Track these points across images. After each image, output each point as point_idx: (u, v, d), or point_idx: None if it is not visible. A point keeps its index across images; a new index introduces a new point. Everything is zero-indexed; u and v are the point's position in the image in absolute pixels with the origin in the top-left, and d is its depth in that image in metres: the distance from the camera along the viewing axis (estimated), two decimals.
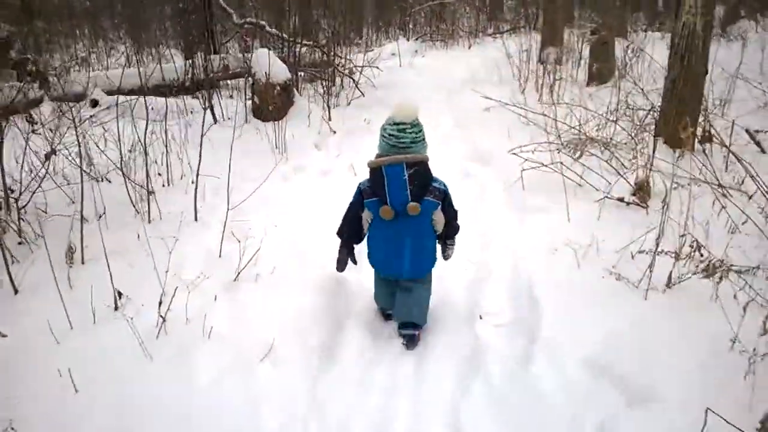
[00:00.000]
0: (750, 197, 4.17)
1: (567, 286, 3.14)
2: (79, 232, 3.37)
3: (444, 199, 2.74)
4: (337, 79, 8.01)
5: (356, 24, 13.78)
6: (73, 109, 4.08)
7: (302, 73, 8.01)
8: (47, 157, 3.64)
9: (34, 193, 3.77)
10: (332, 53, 8.09)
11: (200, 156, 3.97)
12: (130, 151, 4.47)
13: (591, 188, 4.44)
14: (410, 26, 15.01)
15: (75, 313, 2.80)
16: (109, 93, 7.43)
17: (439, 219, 2.75)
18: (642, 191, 4.29)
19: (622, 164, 4.61)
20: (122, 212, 3.96)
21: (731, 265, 2.81)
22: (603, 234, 3.67)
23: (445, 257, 3.00)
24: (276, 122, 5.65)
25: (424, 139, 2.70)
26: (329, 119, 6.42)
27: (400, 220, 2.65)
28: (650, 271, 3.00)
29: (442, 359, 2.69)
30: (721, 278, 2.63)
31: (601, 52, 7.76)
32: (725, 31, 11.45)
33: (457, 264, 3.50)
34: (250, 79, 6.49)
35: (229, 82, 8.42)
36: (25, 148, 3.82)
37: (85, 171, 4.41)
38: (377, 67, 8.92)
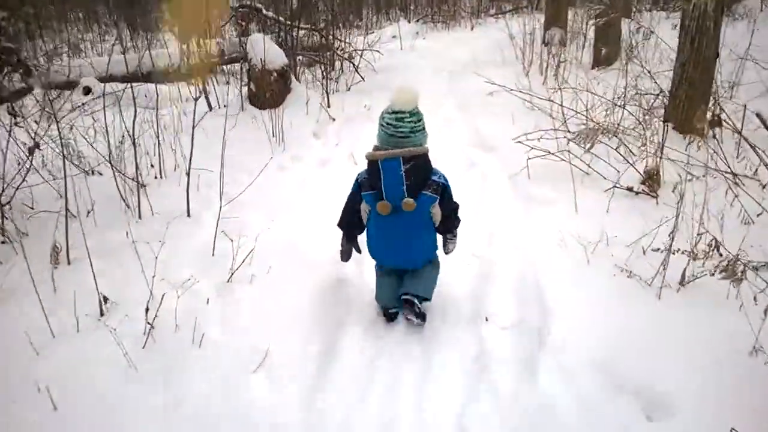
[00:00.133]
0: (764, 186, 4.02)
1: (576, 285, 3.00)
2: (66, 230, 3.21)
3: (443, 193, 2.65)
4: (337, 64, 7.81)
5: (356, 6, 13.51)
6: (60, 98, 3.93)
7: (301, 58, 7.81)
8: (31, 151, 3.47)
9: (17, 188, 3.60)
10: (331, 36, 7.88)
11: (192, 148, 3.80)
12: (121, 142, 4.31)
13: (598, 177, 4.28)
14: (411, 8, 14.72)
15: (57, 319, 2.65)
16: (103, 80, 7.26)
17: (436, 213, 2.68)
18: (651, 180, 4.14)
19: (630, 151, 4.44)
20: (112, 207, 3.80)
21: (749, 262, 2.66)
22: (612, 226, 3.53)
23: (446, 251, 2.92)
24: (273, 110, 5.48)
25: (423, 129, 2.60)
26: (328, 106, 6.24)
27: (396, 215, 2.58)
28: (664, 269, 2.84)
29: (446, 366, 2.54)
30: (740, 280, 2.48)
31: (607, 33, 7.53)
32: (730, 9, 11.15)
33: (460, 258, 3.37)
34: (245, 65, 6.29)
35: (225, 67, 8.22)
36: (8, 142, 3.66)
37: (74, 164, 4.27)
38: (378, 51, 8.71)
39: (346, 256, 2.93)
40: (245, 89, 6.21)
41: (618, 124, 4.97)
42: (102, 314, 2.75)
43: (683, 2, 4.99)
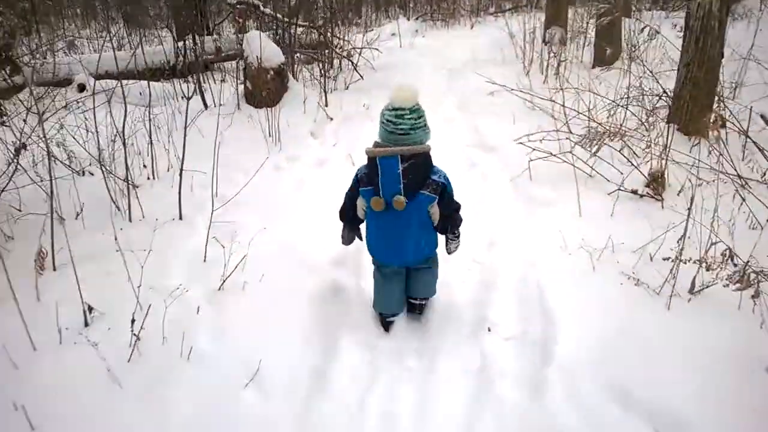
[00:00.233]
0: None
1: (581, 293, 2.89)
2: (51, 235, 3.09)
3: (442, 192, 2.57)
4: (335, 62, 7.70)
5: (355, 3, 13.38)
6: (50, 95, 3.81)
7: (299, 55, 7.69)
8: (17, 151, 3.35)
9: (3, 190, 3.48)
10: (330, 34, 7.77)
11: (184, 149, 3.69)
12: (113, 141, 4.19)
13: (602, 179, 4.18)
14: (410, 5, 14.60)
15: (40, 331, 2.51)
16: (98, 77, 7.14)
17: (435, 212, 2.61)
18: (656, 182, 4.04)
19: (634, 153, 4.34)
20: (102, 209, 3.69)
21: (761, 271, 2.55)
22: (617, 231, 3.43)
23: (448, 251, 2.84)
24: (269, 108, 5.36)
25: (425, 125, 2.52)
26: (326, 105, 6.13)
27: (393, 212, 2.52)
28: (674, 278, 2.74)
29: (447, 381, 2.44)
30: (757, 293, 2.38)
31: (608, 33, 7.42)
32: (729, 9, 11.05)
33: (461, 264, 3.28)
34: (242, 62, 6.17)
35: (223, 65, 8.11)
36: None
37: (64, 164, 4.15)
38: (377, 49, 8.60)
39: (347, 241, 2.88)
40: (241, 87, 6.09)
41: (621, 125, 4.87)
42: (86, 324, 2.62)
43: (688, 2, 4.88)
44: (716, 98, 4.83)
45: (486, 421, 2.22)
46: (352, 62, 7.72)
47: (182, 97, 6.07)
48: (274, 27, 7.58)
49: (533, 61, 7.72)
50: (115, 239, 3.05)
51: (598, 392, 2.31)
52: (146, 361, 2.42)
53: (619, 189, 3.98)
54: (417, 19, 13.15)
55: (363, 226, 2.83)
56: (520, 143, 4.45)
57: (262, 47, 5.69)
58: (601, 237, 3.35)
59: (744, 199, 3.61)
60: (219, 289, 2.94)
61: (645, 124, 5.13)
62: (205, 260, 3.19)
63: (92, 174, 4.25)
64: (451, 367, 2.51)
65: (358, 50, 8.06)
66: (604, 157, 4.32)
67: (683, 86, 4.87)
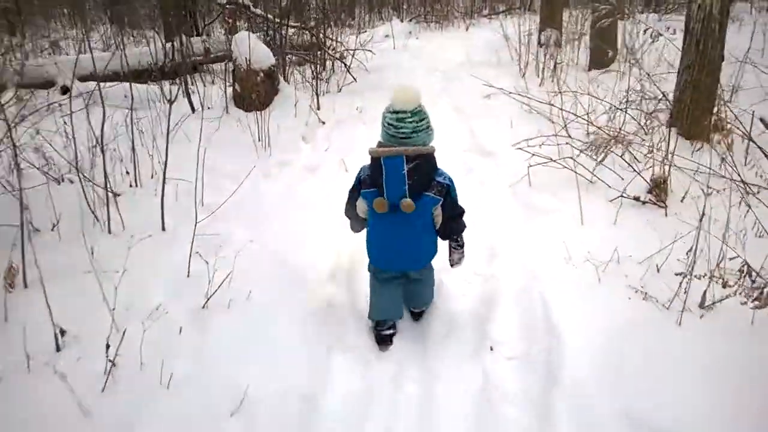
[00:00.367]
0: None
1: (587, 308, 2.74)
2: (22, 250, 2.88)
3: (446, 194, 2.51)
4: (328, 64, 7.53)
5: (348, 4, 13.22)
6: (32, 98, 3.61)
7: (291, 57, 7.51)
8: None
9: None
10: (322, 35, 7.59)
11: (166, 156, 3.50)
12: (94, 146, 4.00)
13: (602, 185, 4.03)
14: (404, 7, 14.45)
15: (6, 356, 2.32)
16: (83, 79, 6.93)
17: (438, 215, 2.56)
18: (659, 189, 3.90)
19: (635, 158, 4.19)
20: (80, 220, 3.48)
21: None
22: (622, 240, 3.30)
23: (451, 262, 2.73)
24: (259, 112, 5.17)
25: (428, 128, 2.49)
26: (318, 108, 5.95)
27: (396, 214, 2.45)
28: (685, 294, 2.59)
29: (447, 405, 2.27)
30: None
31: (604, 35, 7.29)
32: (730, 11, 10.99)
33: (461, 276, 3.13)
34: (230, 64, 5.98)
35: (212, 66, 7.91)
36: None
37: (41, 171, 3.96)
38: (370, 51, 8.44)
39: (356, 229, 2.77)
40: (230, 90, 5.90)
41: (620, 129, 4.74)
42: (58, 349, 2.41)
43: (688, 3, 4.75)
44: (716, 102, 4.71)
45: None
46: (345, 64, 7.56)
47: (168, 100, 5.86)
48: (265, 28, 7.40)
49: (529, 64, 7.59)
50: (91, 254, 2.88)
51: (607, 416, 2.17)
52: (122, 390, 2.23)
53: (621, 196, 3.84)
54: (410, 20, 13.02)
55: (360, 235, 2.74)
56: (519, 148, 4.29)
57: (252, 48, 5.51)
58: (605, 247, 3.20)
59: (750, 207, 3.48)
60: (203, 307, 2.75)
61: (644, 127, 5.01)
62: (188, 275, 3.00)
63: (72, 181, 4.05)
64: (452, 389, 2.34)
65: (351, 52, 7.90)
66: (605, 162, 4.18)
67: (684, 89, 4.74)
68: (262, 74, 5.66)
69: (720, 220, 3.04)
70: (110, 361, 2.21)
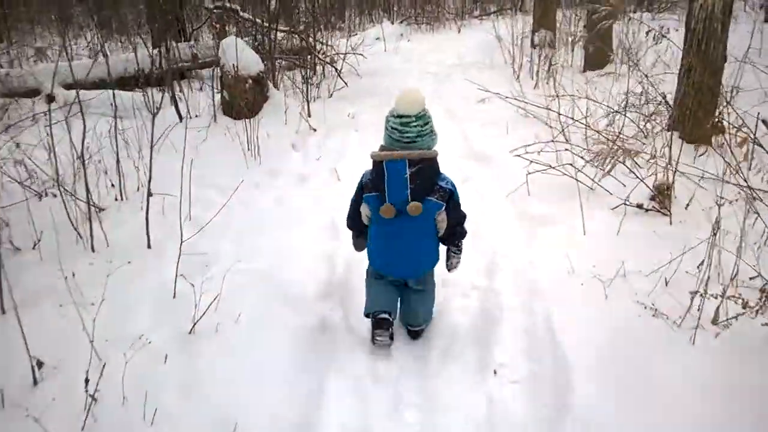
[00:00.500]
0: None
1: (595, 328, 2.60)
2: (5, 270, 2.71)
3: (449, 199, 2.48)
4: (318, 68, 7.38)
5: (338, 7, 13.08)
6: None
7: (280, 62, 7.36)
8: None
9: None
10: (312, 38, 7.44)
11: (150, 170, 3.35)
12: (79, 158, 3.84)
13: (603, 192, 3.92)
14: (394, 9, 14.33)
15: None
16: (69, 87, 6.75)
17: (442, 221, 2.53)
18: (662, 195, 3.78)
19: (636, 164, 4.08)
20: (63, 237, 3.33)
21: None
22: (627, 252, 3.18)
23: (449, 267, 2.71)
24: (248, 120, 5.01)
25: (431, 132, 2.45)
26: (309, 115, 5.79)
27: (399, 219, 2.43)
28: (699, 311, 2.47)
29: None
30: None
31: (602, 35, 7.19)
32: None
33: (459, 290, 3.02)
34: (218, 70, 5.82)
35: (201, 72, 7.74)
36: None
37: (23, 185, 3.81)
38: (361, 54, 8.30)
39: (360, 247, 2.76)
40: (218, 97, 5.74)
41: (619, 133, 4.62)
42: (35, 383, 2.25)
43: (689, 3, 4.64)
44: (718, 104, 4.60)
45: None
46: (336, 68, 7.41)
47: (151, 112, 5.70)
48: (254, 32, 7.25)
49: (522, 66, 7.48)
50: (73, 275, 2.72)
51: None
52: (103, 428, 2.07)
53: (624, 203, 3.72)
54: (401, 22, 12.91)
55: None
56: (517, 155, 4.16)
57: (239, 54, 5.35)
58: (610, 259, 3.08)
59: (758, 214, 3.37)
60: (189, 332, 2.59)
61: (644, 131, 4.90)
62: (174, 296, 2.84)
63: (55, 195, 3.89)
64: (455, 418, 2.19)
65: (342, 56, 7.76)
66: (604, 167, 4.06)
67: (685, 91, 4.63)
68: (250, 81, 5.51)
69: (730, 230, 2.92)
70: (90, 396, 2.05)
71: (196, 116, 5.56)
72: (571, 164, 3.96)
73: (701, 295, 2.44)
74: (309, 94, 6.17)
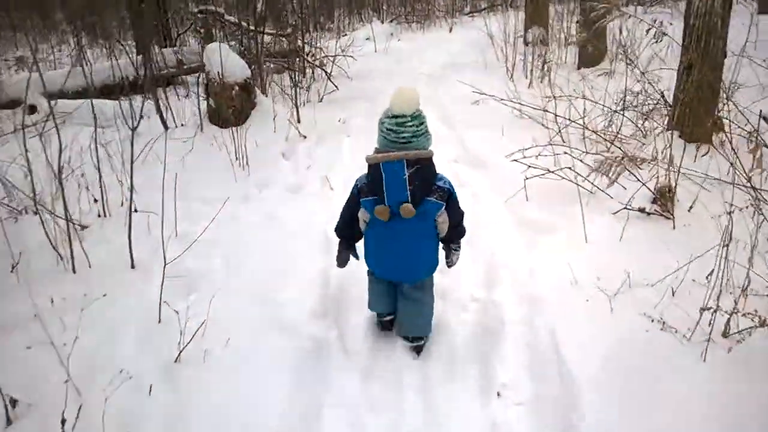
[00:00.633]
0: None
1: (601, 343, 2.48)
2: None
3: (449, 199, 2.44)
4: (307, 71, 7.23)
5: (327, 7, 12.92)
6: None
7: (268, 65, 7.20)
8: None
9: None
10: (301, 41, 7.29)
11: (131, 186, 3.20)
12: (59, 173, 3.69)
13: (604, 196, 3.79)
14: (384, 8, 14.18)
15: None
16: (51, 97, 6.59)
17: (443, 222, 2.48)
18: (664, 198, 3.66)
19: (637, 166, 3.96)
20: (43, 258, 3.18)
21: None
22: (630, 260, 3.06)
23: (449, 264, 2.68)
24: (235, 128, 4.86)
25: (426, 131, 2.39)
26: (298, 121, 5.64)
27: (398, 221, 2.38)
28: (710, 326, 2.35)
29: None
30: None
31: (597, 33, 7.07)
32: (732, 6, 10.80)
33: (459, 303, 2.92)
34: (203, 78, 5.66)
35: (187, 78, 7.58)
36: None
37: (1, 203, 3.66)
38: (351, 56, 8.15)
39: (343, 262, 2.70)
40: (204, 105, 5.58)
41: (617, 134, 4.51)
42: (9, 422, 2.11)
43: None
44: (719, 101, 4.49)
45: None
46: (326, 71, 7.27)
47: (130, 127, 5.54)
48: (240, 36, 7.09)
49: (516, 65, 7.35)
50: (52, 302, 2.58)
51: None
52: None
53: (625, 208, 3.61)
54: (391, 21, 12.76)
55: (359, 244, 2.65)
56: (515, 160, 4.03)
57: (224, 61, 5.20)
58: (614, 268, 2.97)
59: (765, 217, 3.25)
60: (175, 361, 2.44)
61: (642, 130, 4.78)
62: (159, 321, 2.69)
63: (35, 212, 3.74)
64: None
65: (332, 58, 7.62)
66: (602, 170, 3.94)
67: (685, 89, 4.51)
68: (237, 87, 5.35)
69: (738, 237, 2.80)
70: None
71: (182, 125, 5.41)
72: (570, 168, 3.84)
73: (713, 312, 2.32)
74: (298, 98, 6.01)
